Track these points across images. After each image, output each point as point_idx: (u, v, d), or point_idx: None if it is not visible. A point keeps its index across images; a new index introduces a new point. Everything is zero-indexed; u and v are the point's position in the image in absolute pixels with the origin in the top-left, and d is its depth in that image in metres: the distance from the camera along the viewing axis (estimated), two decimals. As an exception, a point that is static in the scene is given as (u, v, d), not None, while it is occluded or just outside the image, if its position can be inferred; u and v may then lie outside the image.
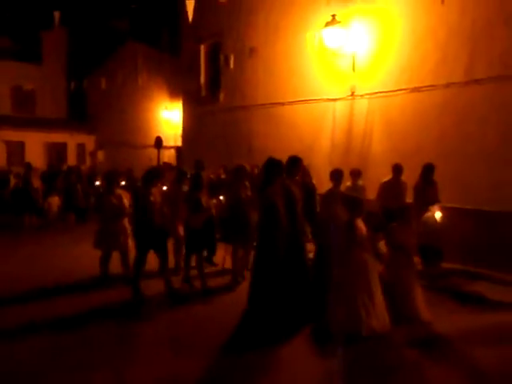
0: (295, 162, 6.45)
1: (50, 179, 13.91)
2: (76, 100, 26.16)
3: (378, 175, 9.53)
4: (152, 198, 6.74)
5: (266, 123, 12.85)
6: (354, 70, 10.63)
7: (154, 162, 18.11)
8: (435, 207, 7.43)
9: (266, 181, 5.61)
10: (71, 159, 23.59)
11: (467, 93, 8.83)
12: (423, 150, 9.32)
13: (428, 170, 8.04)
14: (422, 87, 9.49)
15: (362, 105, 10.66)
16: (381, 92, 10.22)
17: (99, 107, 24.76)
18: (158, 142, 18.01)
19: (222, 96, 14.40)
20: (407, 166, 8.55)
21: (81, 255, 8.89)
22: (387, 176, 8.76)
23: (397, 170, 8.51)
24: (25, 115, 24.13)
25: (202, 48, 15.28)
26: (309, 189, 7.35)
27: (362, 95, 10.63)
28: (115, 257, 7.57)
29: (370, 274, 5.44)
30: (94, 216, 13.23)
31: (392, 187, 8.43)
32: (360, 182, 9.02)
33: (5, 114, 23.14)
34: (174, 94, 19.97)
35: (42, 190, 12.97)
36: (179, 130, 17.48)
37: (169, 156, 20.15)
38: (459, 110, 8.98)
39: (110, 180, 7.62)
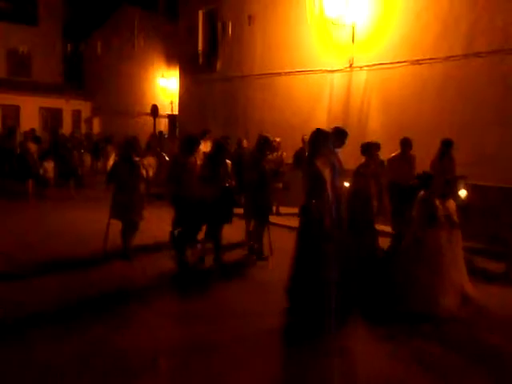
0: (341, 133, 6.12)
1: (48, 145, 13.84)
2: (72, 64, 25.73)
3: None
4: (190, 168, 6.50)
5: (262, 93, 12.68)
6: (353, 41, 10.43)
7: (150, 130, 17.92)
8: (461, 184, 6.93)
9: (314, 151, 5.21)
10: (66, 125, 23.33)
11: (467, 66, 8.71)
12: (422, 122, 9.24)
13: (446, 145, 7.80)
14: (421, 60, 9.34)
15: (360, 77, 10.50)
16: (380, 64, 10.06)
17: (95, 73, 24.36)
18: (154, 110, 17.77)
19: (219, 65, 14.15)
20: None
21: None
22: (387, 148, 8.64)
23: (405, 144, 8.17)
24: (20, 78, 23.74)
25: (201, 14, 14.93)
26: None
27: (360, 67, 10.46)
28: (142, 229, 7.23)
29: (448, 252, 5.20)
30: (91, 182, 13.53)
31: (401, 162, 8.14)
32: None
33: (0, 77, 22.79)
34: (171, 60, 19.58)
35: (38, 154, 12.78)
36: (175, 98, 17.25)
37: (165, 124, 19.94)
38: (459, 84, 8.86)
39: (128, 148, 7.08)
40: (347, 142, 8.46)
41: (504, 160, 8.09)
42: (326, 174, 5.15)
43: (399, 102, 9.77)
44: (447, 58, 8.97)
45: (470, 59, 8.65)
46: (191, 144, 6.81)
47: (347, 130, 6.41)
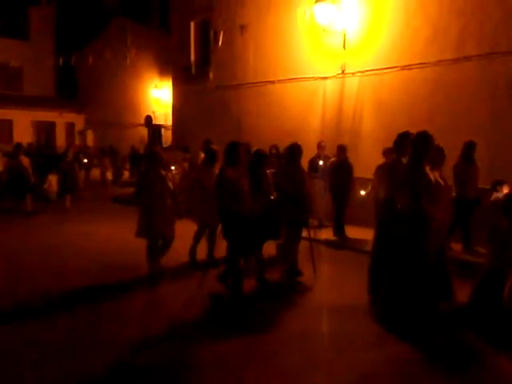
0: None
1: (47, 159, 13.64)
2: (64, 78, 25.80)
3: (368, 153, 9.58)
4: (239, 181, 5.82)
5: (256, 102, 12.76)
6: (344, 47, 10.54)
7: (145, 142, 17.98)
8: (504, 187, 6.57)
9: (419, 157, 4.96)
10: (60, 138, 23.34)
11: (457, 70, 8.81)
12: (414, 126, 9.10)
13: (469, 148, 7.60)
14: (412, 65, 9.45)
15: (352, 83, 10.61)
16: (371, 70, 10.16)
17: (88, 85, 24.43)
18: (148, 121, 17.85)
19: (211, 74, 14.24)
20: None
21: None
22: (380, 154, 8.73)
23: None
24: (12, 93, 23.76)
25: (192, 24, 15.05)
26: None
27: (352, 73, 10.56)
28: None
29: None
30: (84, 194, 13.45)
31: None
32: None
33: (-8, 92, 22.82)
34: (164, 71, 19.72)
35: (32, 168, 12.63)
36: (169, 109, 17.32)
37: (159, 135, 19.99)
38: (450, 88, 8.96)
39: (153, 159, 6.51)
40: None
41: (496, 162, 8.15)
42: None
43: (391, 107, 9.88)
44: (437, 63, 9.09)
45: (460, 63, 8.76)
46: (235, 154, 5.87)
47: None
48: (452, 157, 8.41)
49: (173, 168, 13.44)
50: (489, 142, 8.31)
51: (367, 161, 8.83)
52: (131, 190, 14.43)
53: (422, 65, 9.30)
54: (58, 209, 12.02)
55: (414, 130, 9.07)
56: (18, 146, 12.30)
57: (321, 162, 9.53)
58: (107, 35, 22.42)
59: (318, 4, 10.16)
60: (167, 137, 19.09)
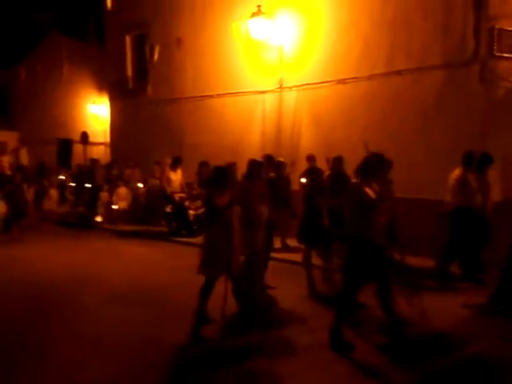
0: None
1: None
2: (-4, 95, 24.60)
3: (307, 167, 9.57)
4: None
5: (195, 116, 12.59)
6: (281, 61, 10.62)
7: (81, 158, 17.31)
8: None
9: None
10: (-8, 157, 22.10)
11: (389, 84, 9.04)
12: (351, 139, 9.41)
13: (488, 161, 7.09)
14: (346, 79, 9.62)
15: (290, 97, 10.67)
16: (308, 84, 10.27)
17: (21, 103, 23.42)
18: (84, 138, 17.19)
19: (149, 88, 13.97)
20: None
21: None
22: (318, 166, 8.81)
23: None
24: None
25: (128, 39, 14.76)
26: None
27: (290, 87, 10.64)
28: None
29: None
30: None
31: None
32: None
33: None
34: (102, 87, 19.16)
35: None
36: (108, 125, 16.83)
37: (97, 153, 19.34)
38: (383, 101, 9.17)
39: (218, 179, 5.35)
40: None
41: (428, 173, 8.35)
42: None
43: (328, 120, 9.99)
44: (370, 77, 9.29)
45: (391, 77, 8.99)
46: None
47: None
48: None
49: (140, 185, 13.04)
50: (421, 154, 8.53)
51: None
52: (76, 210, 13.96)
53: (356, 79, 9.49)
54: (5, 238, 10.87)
55: (350, 143, 9.28)
56: None
57: (303, 180, 8.51)
58: (41, 51, 21.67)
59: (253, 19, 10.18)
60: (101, 153, 18.52)
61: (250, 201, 5.59)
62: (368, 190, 4.84)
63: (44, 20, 23.78)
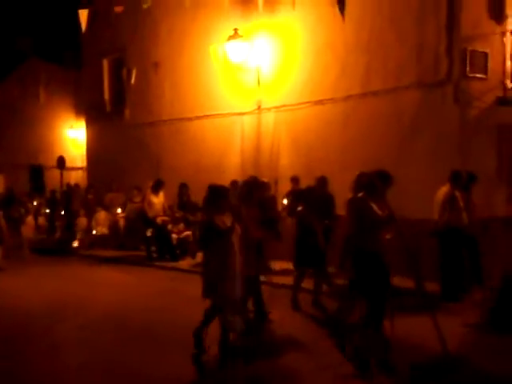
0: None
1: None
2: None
3: (287, 188, 9.56)
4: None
5: (174, 139, 12.54)
6: (259, 83, 10.67)
7: (58, 183, 17.02)
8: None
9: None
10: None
11: (366, 105, 9.13)
12: (329, 159, 9.49)
13: (472, 179, 7.29)
14: (323, 100, 9.70)
15: (268, 118, 10.71)
16: (286, 105, 10.33)
17: (-2, 127, 23.11)
18: (61, 163, 16.91)
19: (127, 112, 13.88)
20: (313, 178, 8.53)
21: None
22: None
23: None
24: None
25: (105, 63, 14.73)
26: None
27: (268, 108, 10.68)
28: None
29: None
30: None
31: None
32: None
33: None
34: (80, 112, 19.07)
35: None
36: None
37: (76, 177, 19.09)
38: (360, 122, 9.24)
39: (217, 200, 4.98)
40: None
41: (406, 192, 8.37)
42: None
43: (306, 141, 10.02)
44: (347, 98, 9.38)
45: (368, 98, 9.09)
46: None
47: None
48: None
49: (119, 211, 12.78)
50: (396, 173, 8.54)
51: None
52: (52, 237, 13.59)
53: (333, 100, 9.57)
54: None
55: (327, 165, 9.32)
56: None
57: (285, 201, 8.99)
58: (18, 76, 21.57)
59: (230, 42, 10.25)
60: (80, 178, 18.28)
61: (244, 223, 5.35)
62: (374, 206, 4.83)
63: (24, 45, 23.68)
